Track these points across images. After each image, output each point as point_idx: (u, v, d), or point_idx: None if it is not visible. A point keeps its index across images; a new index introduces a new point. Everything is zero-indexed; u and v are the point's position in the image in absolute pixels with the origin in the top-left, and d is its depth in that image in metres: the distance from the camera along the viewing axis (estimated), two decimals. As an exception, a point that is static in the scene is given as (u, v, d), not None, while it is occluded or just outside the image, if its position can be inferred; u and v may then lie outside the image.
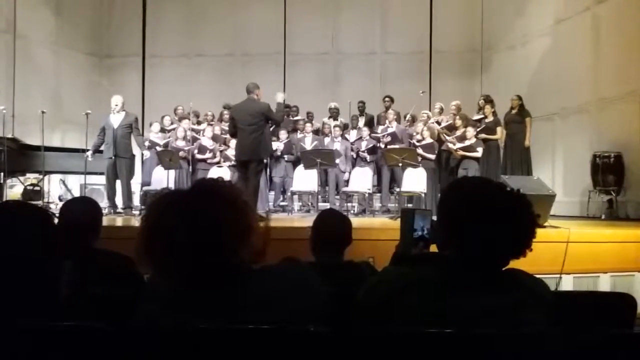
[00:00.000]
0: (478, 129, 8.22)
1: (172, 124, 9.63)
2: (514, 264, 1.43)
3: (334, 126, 9.00)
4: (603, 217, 7.86)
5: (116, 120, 7.35)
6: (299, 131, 9.35)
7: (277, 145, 8.61)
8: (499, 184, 1.51)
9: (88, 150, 7.69)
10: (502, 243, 1.39)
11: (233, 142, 8.42)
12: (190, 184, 1.45)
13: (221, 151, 8.91)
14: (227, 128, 9.26)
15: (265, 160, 7.87)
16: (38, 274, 1.34)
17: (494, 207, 1.40)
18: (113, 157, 7.30)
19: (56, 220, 2.33)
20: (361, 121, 9.38)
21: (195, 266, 1.28)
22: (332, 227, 2.55)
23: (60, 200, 9.82)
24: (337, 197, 8.67)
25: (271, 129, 8.90)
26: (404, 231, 2.06)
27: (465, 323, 1.31)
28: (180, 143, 8.89)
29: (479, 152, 7.84)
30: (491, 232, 1.38)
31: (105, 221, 2.72)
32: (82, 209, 2.42)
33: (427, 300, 1.35)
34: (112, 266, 2.24)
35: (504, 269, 1.44)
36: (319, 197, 8.40)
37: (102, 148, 7.52)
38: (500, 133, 8.43)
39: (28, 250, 1.32)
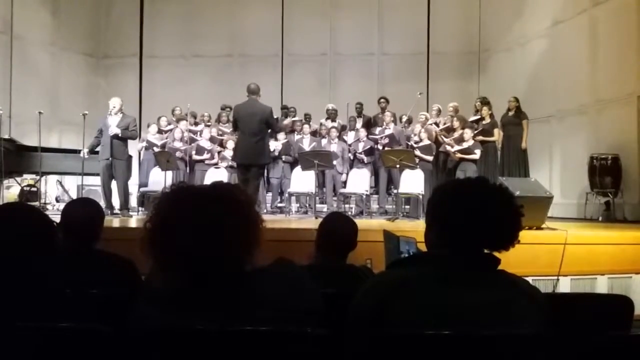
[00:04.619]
0: (476, 131, 8.23)
1: (169, 124, 9.61)
2: (511, 266, 1.43)
3: (332, 127, 8.99)
4: (600, 219, 7.88)
5: (113, 122, 7.32)
6: (296, 132, 9.35)
7: (275, 146, 8.60)
8: (481, 178, 1.52)
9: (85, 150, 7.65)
10: (488, 235, 1.41)
11: (230, 144, 8.42)
12: (209, 184, 1.46)
13: (219, 152, 8.91)
14: (224, 129, 9.27)
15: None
16: (37, 274, 1.34)
17: (476, 200, 1.42)
18: (109, 159, 7.27)
19: (57, 221, 2.34)
20: (359, 122, 9.36)
21: (196, 267, 1.29)
22: (338, 230, 2.54)
23: (57, 201, 9.80)
24: (335, 198, 8.66)
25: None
26: (390, 251, 2.05)
27: (460, 319, 1.31)
28: (178, 144, 8.88)
29: (477, 154, 7.83)
30: (476, 225, 1.39)
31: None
32: (83, 211, 2.42)
33: (421, 298, 1.35)
34: (112, 267, 2.24)
35: (496, 269, 1.44)
36: (317, 198, 8.39)
37: (98, 149, 7.49)
38: (497, 135, 8.43)
39: (27, 251, 1.32)
